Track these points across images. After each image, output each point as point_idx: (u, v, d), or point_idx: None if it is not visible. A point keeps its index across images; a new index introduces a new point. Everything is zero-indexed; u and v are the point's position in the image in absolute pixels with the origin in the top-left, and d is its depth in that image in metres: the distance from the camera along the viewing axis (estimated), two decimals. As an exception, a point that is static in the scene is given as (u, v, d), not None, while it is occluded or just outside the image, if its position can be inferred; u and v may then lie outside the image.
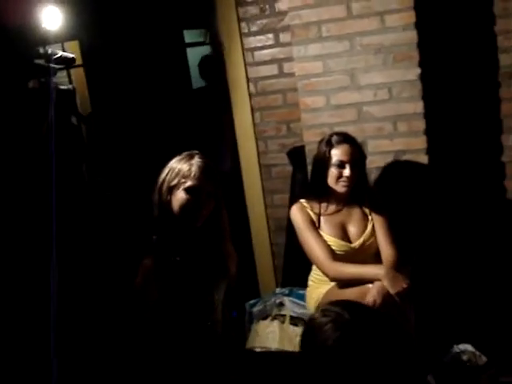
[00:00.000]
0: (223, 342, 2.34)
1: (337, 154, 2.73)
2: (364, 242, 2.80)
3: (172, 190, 2.18)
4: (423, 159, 3.02)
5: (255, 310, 3.23)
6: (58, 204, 2.30)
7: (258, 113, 3.50)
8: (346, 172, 2.71)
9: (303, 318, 3.11)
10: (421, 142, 3.01)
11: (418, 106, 2.98)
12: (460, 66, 3.12)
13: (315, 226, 2.80)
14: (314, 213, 2.82)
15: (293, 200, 3.36)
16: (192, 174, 2.15)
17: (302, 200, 2.89)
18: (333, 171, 2.74)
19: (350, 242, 2.80)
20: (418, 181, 3.05)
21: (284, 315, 3.14)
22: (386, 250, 2.77)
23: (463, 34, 3.10)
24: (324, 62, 3.07)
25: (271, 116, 3.49)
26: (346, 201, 2.84)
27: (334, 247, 2.75)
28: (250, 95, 3.47)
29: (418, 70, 2.95)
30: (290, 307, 3.18)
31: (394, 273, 2.57)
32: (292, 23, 3.09)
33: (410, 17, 2.91)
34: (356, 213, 2.86)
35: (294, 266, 3.40)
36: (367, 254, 2.81)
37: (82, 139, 4.00)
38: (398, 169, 3.08)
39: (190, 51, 5.42)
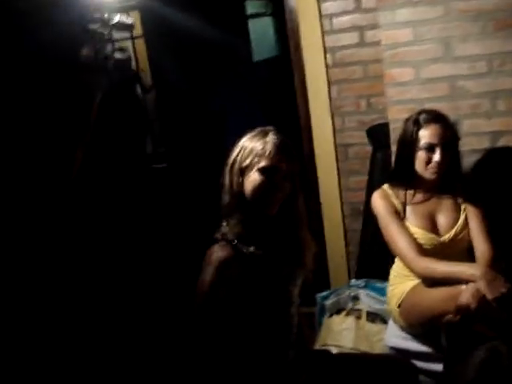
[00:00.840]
0: (298, 340, 2.09)
1: (426, 135, 2.42)
2: (455, 235, 2.48)
3: (244, 171, 1.92)
4: (525, 142, 2.67)
5: (328, 303, 2.98)
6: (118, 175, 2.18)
7: (335, 86, 3.20)
8: (436, 157, 2.40)
9: (381, 314, 2.84)
10: (523, 123, 2.66)
11: (523, 81, 2.62)
12: None
13: (400, 216, 2.50)
14: (399, 201, 2.52)
15: (371, 183, 3.08)
16: (267, 153, 1.89)
17: (385, 186, 2.58)
18: (421, 155, 2.43)
19: (440, 234, 2.48)
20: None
21: (360, 310, 2.89)
22: (481, 246, 2.45)
23: None
24: (414, 29, 2.72)
25: (350, 90, 3.19)
26: (435, 188, 2.53)
27: (421, 240, 2.45)
28: (327, 66, 3.17)
29: (523, 40, 2.58)
30: (366, 302, 2.92)
31: (493, 274, 2.22)
32: (378, -15, 2.75)
33: (515, -22, 2.54)
34: (447, 202, 2.54)
35: (371, 256, 3.11)
36: (458, 248, 2.49)
37: (145, 110, 3.81)
38: (495, 152, 2.73)
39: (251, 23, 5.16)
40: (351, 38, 3.10)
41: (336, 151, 3.26)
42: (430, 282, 2.37)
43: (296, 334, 2.04)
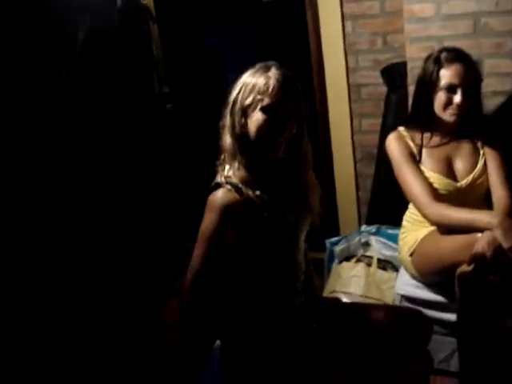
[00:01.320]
0: (307, 287, 2.01)
1: (446, 75, 2.28)
2: (473, 180, 2.37)
3: (246, 110, 1.78)
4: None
5: (337, 249, 2.90)
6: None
7: (349, 21, 3.01)
8: (457, 98, 2.27)
9: (392, 261, 2.77)
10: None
11: (550, 20, 2.45)
12: None
13: (415, 160, 2.39)
14: (415, 144, 2.41)
15: (385, 126, 2.95)
16: (270, 90, 1.74)
17: (401, 128, 2.46)
18: (441, 96, 2.30)
19: (457, 180, 2.38)
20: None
21: (371, 257, 2.82)
22: (500, 192, 2.34)
23: None
24: (438, -40, 2.54)
25: (365, 26, 3.00)
26: (454, 131, 2.41)
27: (436, 185, 2.34)
28: (342, 0, 2.97)
29: (554, -25, 2.40)
30: (378, 248, 2.85)
31: (510, 223, 2.11)
32: None
33: None
34: (465, 146, 2.42)
35: (383, 201, 3.00)
36: (475, 195, 2.39)
37: (151, 46, 3.63)
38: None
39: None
40: (369, -30, 2.90)
41: (349, 91, 3.09)
42: (445, 229, 2.28)
43: (303, 281, 1.96)
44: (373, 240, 2.87)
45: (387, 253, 2.80)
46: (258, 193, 1.77)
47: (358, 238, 2.89)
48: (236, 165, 1.80)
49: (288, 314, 1.90)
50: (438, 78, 2.30)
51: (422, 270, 2.39)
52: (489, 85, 2.53)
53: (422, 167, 2.37)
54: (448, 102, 2.29)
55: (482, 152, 2.40)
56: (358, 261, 2.79)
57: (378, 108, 3.05)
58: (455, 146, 2.42)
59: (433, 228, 2.36)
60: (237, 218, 1.75)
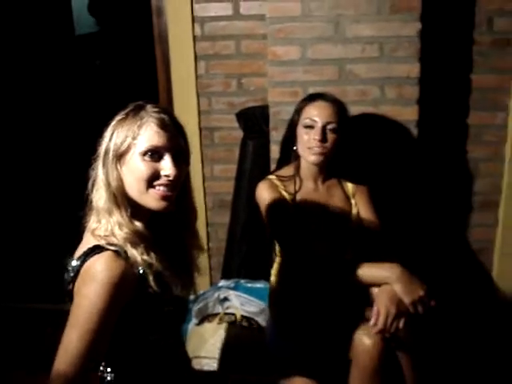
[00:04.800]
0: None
1: (308, 111, 2.18)
2: (347, 228, 2.26)
3: (121, 159, 1.49)
4: (413, 133, 2.54)
5: (195, 308, 2.62)
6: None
7: (202, 62, 2.82)
8: (316, 134, 2.13)
9: (255, 318, 2.56)
10: (412, 113, 2.52)
11: (414, 70, 2.46)
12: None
13: (288, 209, 2.21)
14: (287, 192, 2.24)
15: (241, 173, 2.78)
16: (146, 132, 1.48)
17: (272, 176, 2.29)
18: (302, 134, 2.18)
19: (332, 229, 2.24)
20: (406, 158, 2.57)
21: (233, 314, 2.57)
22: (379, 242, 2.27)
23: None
24: (303, 3, 2.46)
25: (219, 67, 2.83)
26: (323, 177, 2.29)
27: (313, 233, 2.19)
28: (195, 39, 2.78)
29: (419, 25, 2.43)
30: (238, 304, 2.61)
31: (409, 275, 2.02)
32: None
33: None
34: (337, 194, 2.31)
35: (240, 253, 2.81)
36: (348, 245, 2.27)
37: None
38: (383, 141, 2.58)
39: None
40: (225, 8, 2.73)
41: (200, 135, 2.89)
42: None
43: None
44: (232, 295, 2.64)
45: (249, 309, 2.59)
46: (145, 257, 1.48)
47: (216, 295, 2.64)
48: (116, 222, 1.49)
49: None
50: (300, 116, 2.19)
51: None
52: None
53: (296, 216, 2.21)
54: (307, 140, 2.15)
55: (353, 202, 2.32)
56: (221, 320, 2.55)
57: (232, 153, 2.87)
58: (327, 194, 2.29)
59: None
60: (126, 289, 1.42)
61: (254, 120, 2.74)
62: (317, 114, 2.15)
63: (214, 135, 2.90)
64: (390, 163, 2.58)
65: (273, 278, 2.35)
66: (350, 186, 2.33)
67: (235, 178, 2.81)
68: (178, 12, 2.75)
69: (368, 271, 2.06)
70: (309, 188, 2.27)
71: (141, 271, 1.46)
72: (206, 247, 2.81)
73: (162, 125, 1.49)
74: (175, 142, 1.51)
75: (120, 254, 1.43)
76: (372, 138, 2.55)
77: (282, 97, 2.53)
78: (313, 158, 2.18)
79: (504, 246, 2.88)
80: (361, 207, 2.31)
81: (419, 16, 2.42)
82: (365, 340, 1.97)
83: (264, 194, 2.24)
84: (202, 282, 2.92)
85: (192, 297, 2.68)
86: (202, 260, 2.91)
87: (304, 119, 2.17)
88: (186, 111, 2.83)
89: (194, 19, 2.75)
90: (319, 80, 2.51)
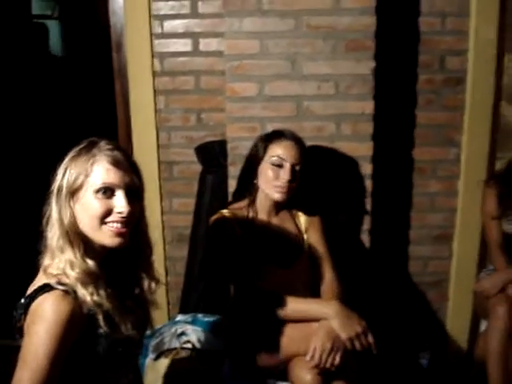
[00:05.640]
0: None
1: (275, 149, 2.22)
2: (298, 263, 2.30)
3: (74, 196, 1.51)
4: (367, 168, 2.59)
5: (152, 343, 2.59)
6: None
7: (161, 96, 2.84)
8: (285, 174, 2.19)
9: (213, 352, 2.55)
10: (366, 148, 2.58)
11: (368, 106, 2.53)
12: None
13: (237, 246, 2.22)
14: (240, 227, 2.26)
15: (200, 207, 2.79)
16: (99, 169, 1.50)
17: (225, 211, 2.31)
18: (267, 171, 2.22)
19: (281, 263, 2.26)
20: (360, 193, 2.61)
21: (190, 349, 2.55)
22: (327, 275, 2.29)
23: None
24: (261, 41, 2.51)
25: (178, 102, 2.85)
26: (278, 212, 2.33)
27: (262, 269, 2.21)
28: (154, 74, 2.80)
29: (373, 64, 2.50)
30: (195, 339, 2.59)
31: (347, 312, 2.08)
32: (224, -11, 2.49)
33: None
34: (290, 228, 2.35)
35: (198, 288, 2.80)
36: (301, 278, 2.31)
37: None
38: (338, 176, 2.63)
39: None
40: (184, 44, 2.77)
41: (159, 169, 2.89)
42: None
43: None
44: (189, 330, 2.62)
45: (206, 343, 2.57)
46: (95, 297, 1.48)
47: (173, 329, 2.62)
48: (68, 260, 1.49)
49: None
50: (265, 152, 2.22)
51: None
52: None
53: (245, 251, 2.22)
54: (275, 178, 2.20)
55: (305, 236, 2.35)
56: (178, 354, 2.53)
57: (191, 187, 2.88)
58: (279, 227, 2.32)
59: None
60: (73, 329, 1.42)
61: (212, 154, 2.76)
62: (285, 154, 2.20)
63: (173, 169, 2.91)
64: (345, 197, 2.63)
65: (228, 312, 2.37)
66: (302, 220, 2.38)
67: (194, 212, 2.82)
68: (138, 47, 2.77)
69: (307, 307, 2.11)
70: (262, 221, 2.30)
71: (90, 311, 1.47)
72: (163, 281, 2.85)
73: (115, 162, 1.52)
74: (128, 179, 1.53)
75: (69, 293, 1.44)
76: (327, 172, 2.59)
77: (240, 132, 2.57)
78: (277, 196, 2.22)
79: (458, 277, 2.94)
80: (313, 241, 2.35)
81: (373, 55, 2.48)
82: (303, 374, 2.02)
83: (215, 230, 2.27)
84: (159, 316, 2.89)
85: (149, 332, 2.67)
86: (160, 294, 2.95)
87: (271, 157, 2.21)
88: (145, 145, 2.85)
89: (153, 55, 2.78)
90: (277, 116, 2.55)
